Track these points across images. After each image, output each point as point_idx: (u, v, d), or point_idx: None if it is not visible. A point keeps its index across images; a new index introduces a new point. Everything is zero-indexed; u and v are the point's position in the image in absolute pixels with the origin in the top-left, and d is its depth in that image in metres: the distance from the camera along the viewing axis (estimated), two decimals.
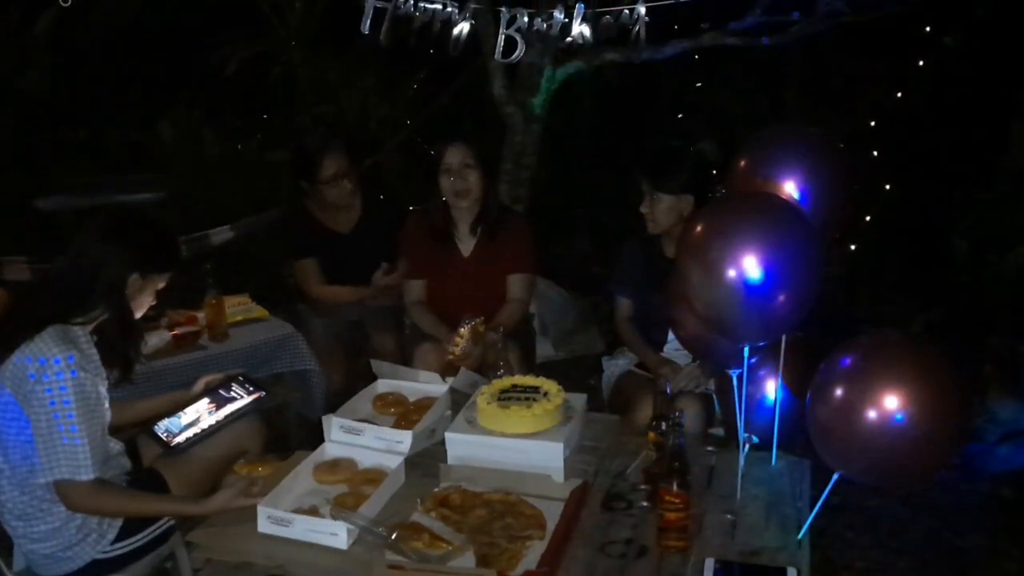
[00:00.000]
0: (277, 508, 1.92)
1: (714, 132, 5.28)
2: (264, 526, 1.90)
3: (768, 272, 1.80)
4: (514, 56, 2.61)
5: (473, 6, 2.57)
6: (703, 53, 4.78)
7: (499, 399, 2.24)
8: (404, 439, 2.20)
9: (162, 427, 2.31)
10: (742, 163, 2.13)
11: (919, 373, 1.72)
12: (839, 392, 1.77)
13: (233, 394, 2.43)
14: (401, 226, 3.22)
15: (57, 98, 5.89)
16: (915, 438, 1.69)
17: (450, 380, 2.62)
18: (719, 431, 2.72)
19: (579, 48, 3.26)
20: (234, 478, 2.15)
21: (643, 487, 2.06)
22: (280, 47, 5.90)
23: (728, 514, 1.96)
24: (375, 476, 2.08)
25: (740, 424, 2.11)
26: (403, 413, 2.42)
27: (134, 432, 2.36)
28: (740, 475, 2.06)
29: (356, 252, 3.33)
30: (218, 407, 2.39)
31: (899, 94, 4.98)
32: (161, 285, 2.18)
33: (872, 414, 1.69)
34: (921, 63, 4.93)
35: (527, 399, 2.23)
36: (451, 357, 2.78)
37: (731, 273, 1.82)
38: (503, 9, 2.57)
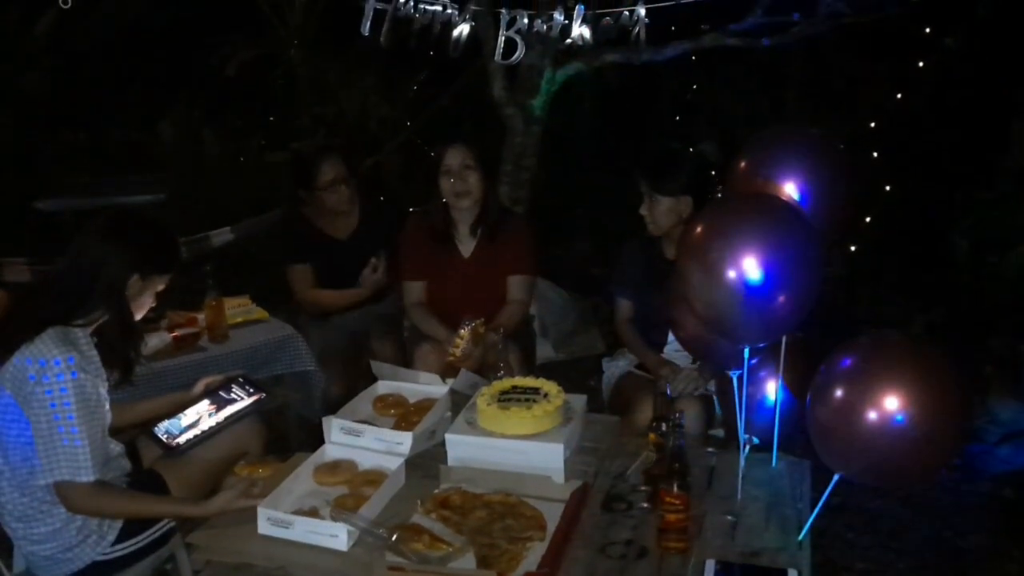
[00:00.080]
0: (277, 510, 1.92)
1: (714, 133, 5.29)
2: (264, 528, 1.90)
3: (768, 273, 1.80)
4: (514, 58, 2.62)
5: (473, 8, 2.58)
6: (703, 54, 4.77)
7: (499, 400, 2.24)
8: (404, 440, 2.20)
9: (162, 428, 2.30)
10: (742, 164, 2.12)
11: (919, 374, 1.72)
12: (839, 393, 1.77)
13: (233, 395, 2.43)
14: (401, 227, 3.22)
15: (57, 99, 5.90)
16: (915, 439, 1.69)
17: (450, 381, 2.61)
18: (719, 432, 2.72)
19: (579, 49, 3.25)
20: (234, 479, 2.15)
21: (643, 488, 2.06)
22: (280, 48, 5.90)
23: (728, 515, 1.96)
24: (375, 477, 2.08)
25: (740, 425, 2.11)
26: (403, 414, 2.42)
27: (134, 434, 2.36)
28: (740, 476, 2.05)
29: (353, 258, 3.31)
30: (218, 409, 2.38)
31: (900, 95, 4.98)
32: (161, 286, 2.17)
33: (872, 415, 1.69)
34: (922, 64, 4.93)
35: (527, 400, 2.22)
36: (451, 358, 2.78)
37: (731, 274, 1.82)
38: (503, 11, 2.57)
